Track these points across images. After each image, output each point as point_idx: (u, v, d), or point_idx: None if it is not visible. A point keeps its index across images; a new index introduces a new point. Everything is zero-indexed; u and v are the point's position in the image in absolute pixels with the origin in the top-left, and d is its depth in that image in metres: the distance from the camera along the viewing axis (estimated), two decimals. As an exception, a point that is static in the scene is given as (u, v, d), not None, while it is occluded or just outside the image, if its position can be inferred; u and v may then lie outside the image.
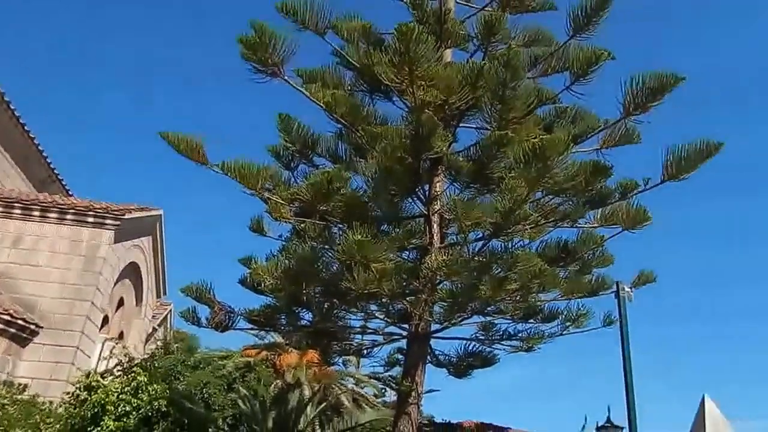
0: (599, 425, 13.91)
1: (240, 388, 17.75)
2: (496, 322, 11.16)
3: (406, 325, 10.61)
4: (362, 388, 26.37)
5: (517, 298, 9.87)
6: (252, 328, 12.11)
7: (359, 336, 11.82)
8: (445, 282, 9.68)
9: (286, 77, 9.67)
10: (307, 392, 19.27)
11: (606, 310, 11.05)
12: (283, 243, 10.92)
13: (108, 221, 19.48)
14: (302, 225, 10.21)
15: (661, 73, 8.72)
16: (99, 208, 19.67)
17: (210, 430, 15.83)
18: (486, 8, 11.02)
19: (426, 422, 18.93)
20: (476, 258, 9.39)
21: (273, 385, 20.40)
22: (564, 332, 10.93)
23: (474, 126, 10.64)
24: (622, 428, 12.96)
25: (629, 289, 11.06)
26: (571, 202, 10.02)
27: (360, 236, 8.38)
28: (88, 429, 13.81)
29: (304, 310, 10.95)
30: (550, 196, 9.66)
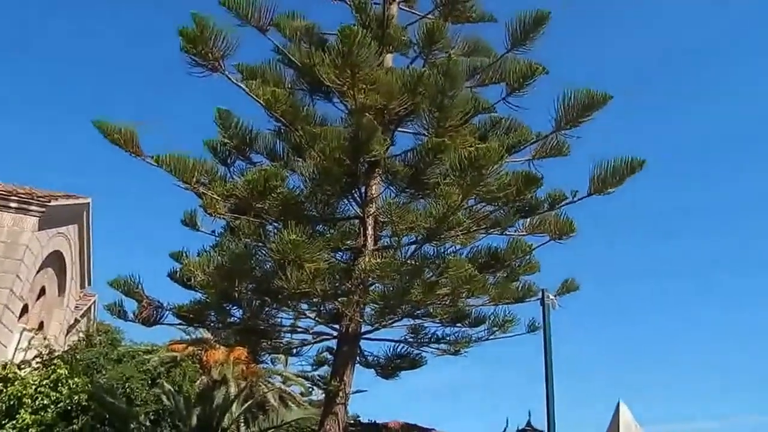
0: (519, 429, 14.29)
1: (164, 383, 17.45)
2: (425, 325, 11.38)
3: (336, 326, 10.68)
4: (289, 386, 26.30)
5: (447, 303, 10.07)
6: (180, 324, 11.94)
7: (289, 334, 11.83)
8: (377, 284, 9.81)
9: (226, 72, 9.58)
10: (233, 389, 19.09)
11: (531, 317, 11.39)
12: (217, 239, 10.84)
13: (32, 207, 18.75)
14: (237, 222, 10.14)
15: (592, 91, 9.08)
16: (23, 193, 18.91)
17: (131, 425, 15.49)
18: (428, 15, 11.21)
19: (352, 422, 19.01)
20: (409, 262, 9.54)
21: (199, 382, 20.14)
22: (490, 337, 11.22)
23: (412, 131, 10.82)
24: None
25: (554, 297, 11.40)
26: (502, 211, 10.29)
27: (295, 236, 8.40)
28: (3, 422, 13.32)
29: (235, 307, 10.87)
30: (483, 204, 9.92)
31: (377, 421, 19.77)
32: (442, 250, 9.96)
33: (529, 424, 14.10)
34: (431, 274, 9.25)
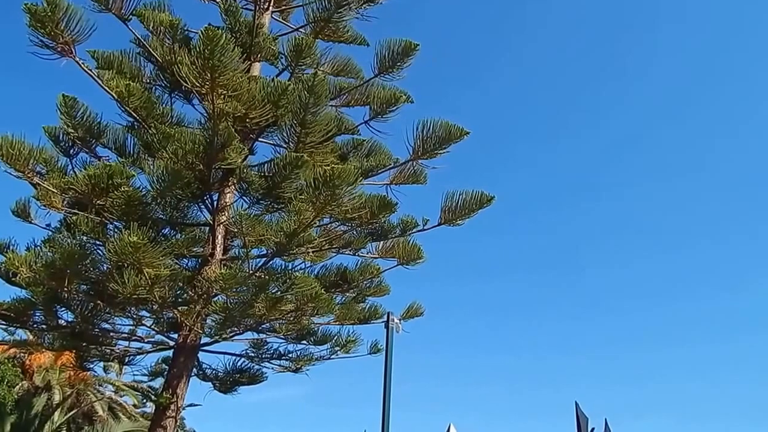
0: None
1: (-24, 387, 15.95)
2: (268, 340, 11.19)
3: (175, 335, 10.24)
4: (122, 396, 24.87)
5: (291, 319, 9.97)
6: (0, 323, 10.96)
7: (124, 342, 11.18)
8: (221, 295, 9.51)
9: (77, 59, 8.97)
10: (57, 397, 17.85)
11: (374, 339, 11.49)
12: (51, 233, 10.05)
13: None
14: (75, 217, 9.44)
15: (450, 125, 9.41)
16: None
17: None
18: (300, 29, 11.15)
19: (188, 436, 18.37)
20: (256, 274, 9.34)
21: (18, 387, 18.60)
22: (333, 356, 11.24)
23: (273, 143, 10.67)
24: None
25: (398, 321, 11.58)
26: (355, 232, 10.38)
27: (136, 237, 7.95)
28: None
29: (64, 308, 10.14)
30: (337, 223, 9.95)
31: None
32: (291, 266, 9.88)
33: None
34: (277, 289, 9.12)
